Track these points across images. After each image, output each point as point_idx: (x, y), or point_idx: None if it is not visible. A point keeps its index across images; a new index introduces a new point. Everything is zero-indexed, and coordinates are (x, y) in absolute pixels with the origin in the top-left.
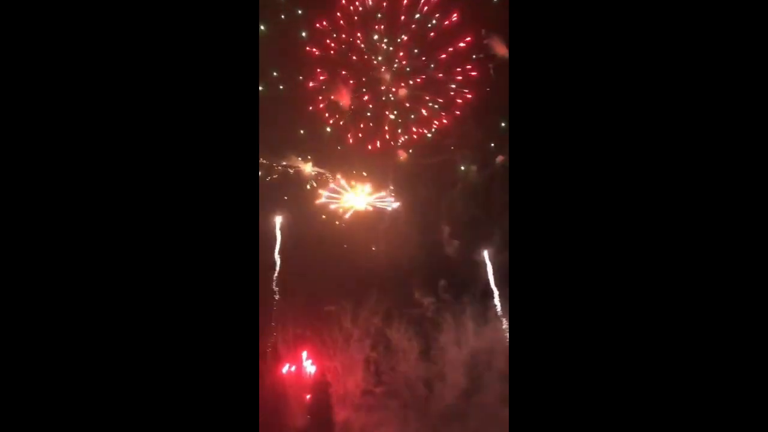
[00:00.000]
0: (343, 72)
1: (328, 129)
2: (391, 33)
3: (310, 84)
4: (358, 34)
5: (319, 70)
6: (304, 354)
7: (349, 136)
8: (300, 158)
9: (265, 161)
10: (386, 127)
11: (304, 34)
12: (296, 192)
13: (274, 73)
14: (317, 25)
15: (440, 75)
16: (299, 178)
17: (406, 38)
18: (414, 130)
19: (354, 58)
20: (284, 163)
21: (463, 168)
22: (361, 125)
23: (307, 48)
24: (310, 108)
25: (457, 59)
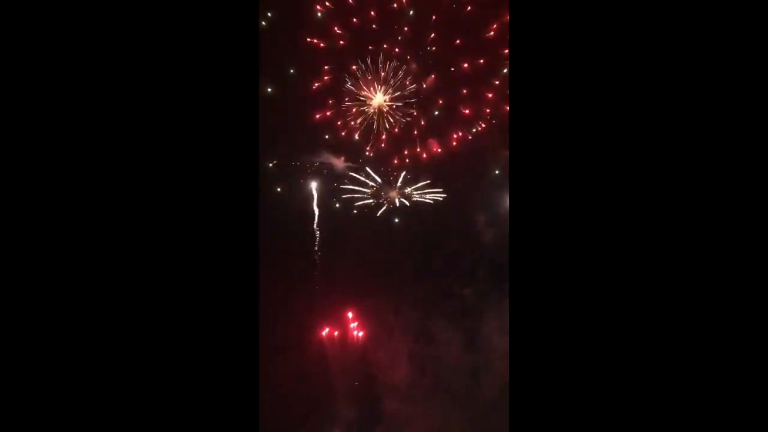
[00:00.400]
0: (354, 66)
1: (356, 136)
2: (416, 8)
3: (315, 85)
4: (372, 14)
5: (326, 67)
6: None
7: (368, 148)
8: (333, 156)
9: (297, 163)
10: (415, 132)
11: (318, 13)
12: (331, 189)
13: (291, 71)
14: (317, 7)
15: (482, 60)
16: (333, 175)
17: (435, 17)
18: (454, 135)
19: (370, 47)
20: (317, 162)
21: (496, 153)
22: (383, 136)
23: (308, 39)
24: (317, 116)
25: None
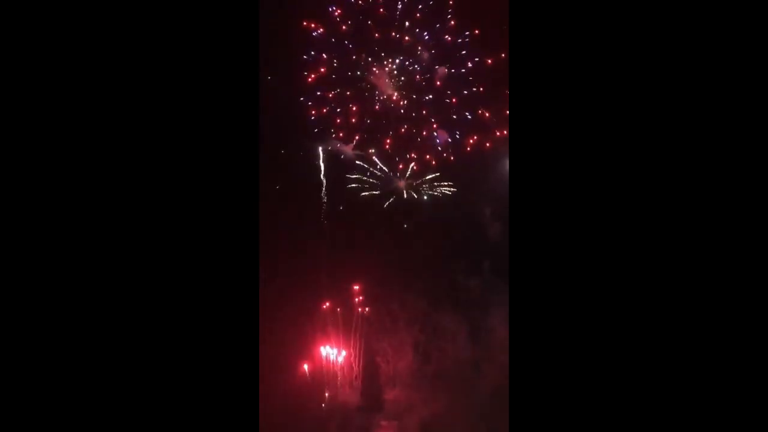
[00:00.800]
0: (354, 56)
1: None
2: None
3: (311, 77)
4: None
5: (325, 55)
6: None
7: (372, 151)
8: (340, 143)
9: (303, 153)
10: (425, 132)
11: None
12: (339, 177)
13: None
14: None
15: (504, 54)
16: (341, 164)
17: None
18: (470, 140)
19: (376, 35)
20: (329, 147)
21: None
22: (387, 141)
23: (305, 23)
24: (312, 113)
25: None
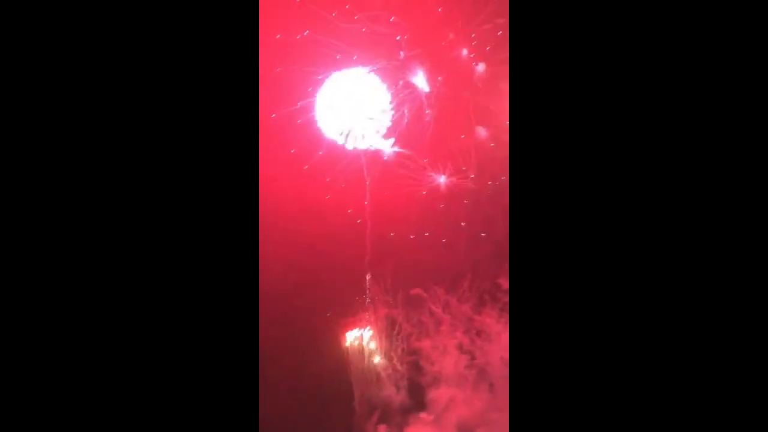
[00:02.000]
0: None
1: None
2: None
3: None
4: None
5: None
6: None
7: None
8: (381, 138)
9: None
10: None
11: None
12: (380, 175)
13: None
14: None
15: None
16: (381, 160)
17: None
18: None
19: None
20: (367, 145)
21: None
22: (427, 119)
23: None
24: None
25: None
